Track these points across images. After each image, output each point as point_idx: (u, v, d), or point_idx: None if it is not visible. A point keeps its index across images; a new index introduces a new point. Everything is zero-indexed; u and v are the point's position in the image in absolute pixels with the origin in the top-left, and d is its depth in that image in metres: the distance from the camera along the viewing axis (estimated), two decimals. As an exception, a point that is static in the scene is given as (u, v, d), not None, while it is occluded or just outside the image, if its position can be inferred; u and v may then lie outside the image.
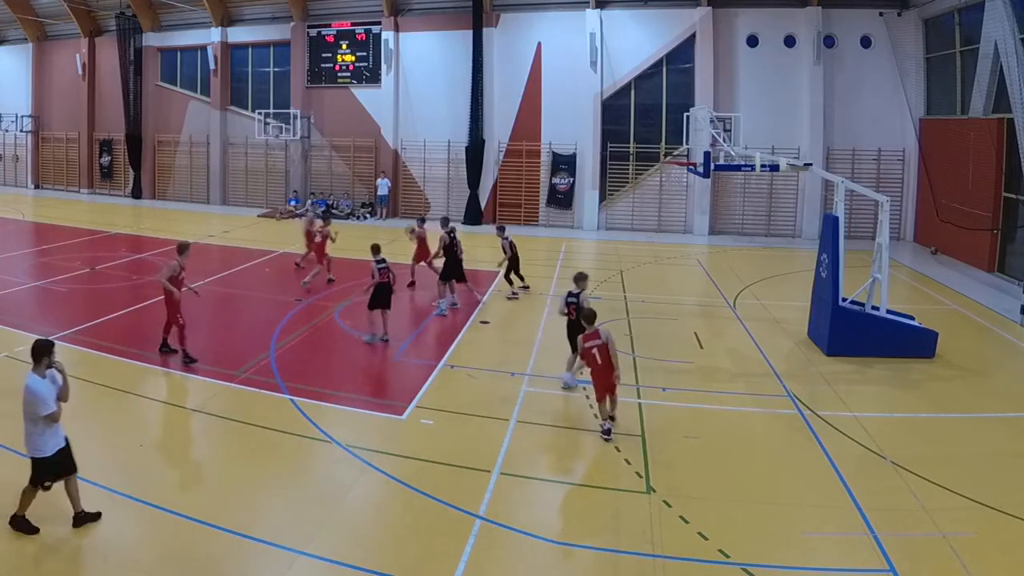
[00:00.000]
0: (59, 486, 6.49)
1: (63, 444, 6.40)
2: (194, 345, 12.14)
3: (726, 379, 10.97)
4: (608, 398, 8.77)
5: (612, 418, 8.77)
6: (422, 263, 16.02)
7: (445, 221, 15.83)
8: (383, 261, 12.20)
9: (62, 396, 6.44)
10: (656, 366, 11.36)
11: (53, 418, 6.23)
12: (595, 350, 8.72)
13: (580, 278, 10.68)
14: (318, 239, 16.49)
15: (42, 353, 6.31)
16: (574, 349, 10.13)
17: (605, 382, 8.73)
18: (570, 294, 10.51)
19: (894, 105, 23.45)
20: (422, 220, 16.46)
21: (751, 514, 7.09)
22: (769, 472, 8.00)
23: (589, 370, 8.93)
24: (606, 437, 8.63)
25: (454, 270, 14.62)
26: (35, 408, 6.15)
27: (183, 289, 11.10)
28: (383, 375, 11.12)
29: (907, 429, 9.21)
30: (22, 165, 36.01)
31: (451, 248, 14.61)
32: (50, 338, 6.61)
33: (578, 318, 9.86)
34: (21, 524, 6.29)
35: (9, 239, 21.88)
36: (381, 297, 12.08)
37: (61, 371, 6.47)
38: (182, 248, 11.29)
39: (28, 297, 15.21)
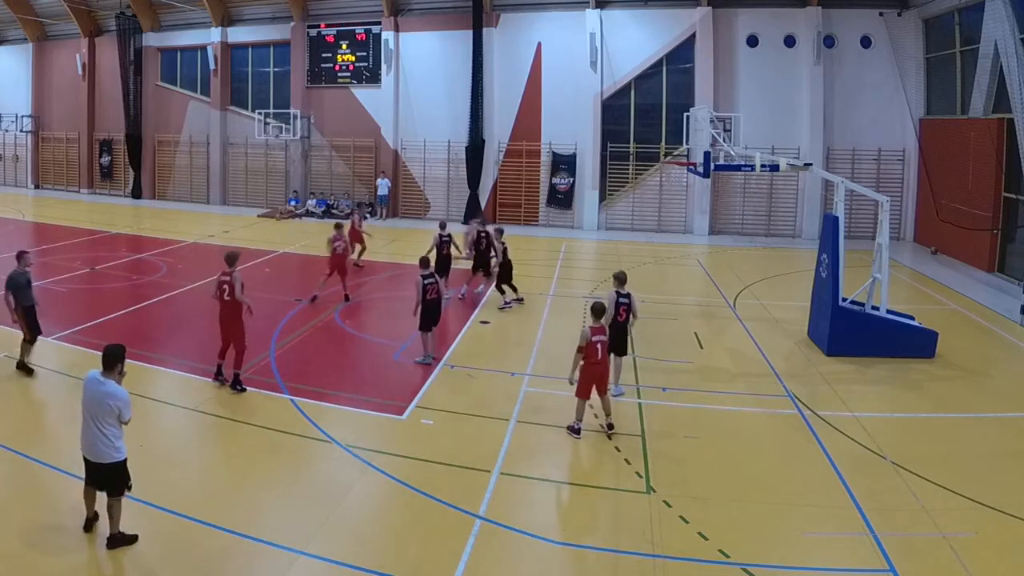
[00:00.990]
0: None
1: None
2: (195, 345, 12.15)
3: (726, 379, 10.97)
4: (601, 397, 8.80)
5: (612, 424, 8.82)
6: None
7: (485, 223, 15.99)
8: (432, 276, 11.24)
9: None
10: (656, 366, 11.36)
11: (129, 421, 6.25)
12: (599, 344, 8.67)
13: (624, 279, 10.13)
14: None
15: (116, 359, 6.26)
16: (621, 353, 10.06)
17: (598, 378, 8.71)
18: (620, 295, 9.92)
19: (894, 105, 23.45)
20: (501, 231, 15.53)
21: (751, 514, 7.10)
22: (769, 472, 8.00)
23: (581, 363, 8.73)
24: (576, 436, 8.70)
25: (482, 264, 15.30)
26: (123, 411, 6.14)
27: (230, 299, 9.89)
28: (383, 375, 11.11)
29: (907, 429, 9.21)
30: (22, 165, 36.01)
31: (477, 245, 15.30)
32: (120, 344, 6.49)
33: (627, 320, 9.87)
34: (122, 540, 6.21)
35: (9, 239, 21.86)
36: (429, 316, 11.15)
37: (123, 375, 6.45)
38: (232, 259, 10.09)
39: (28, 297, 15.19)
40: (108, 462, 6.15)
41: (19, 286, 10.17)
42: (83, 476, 6.38)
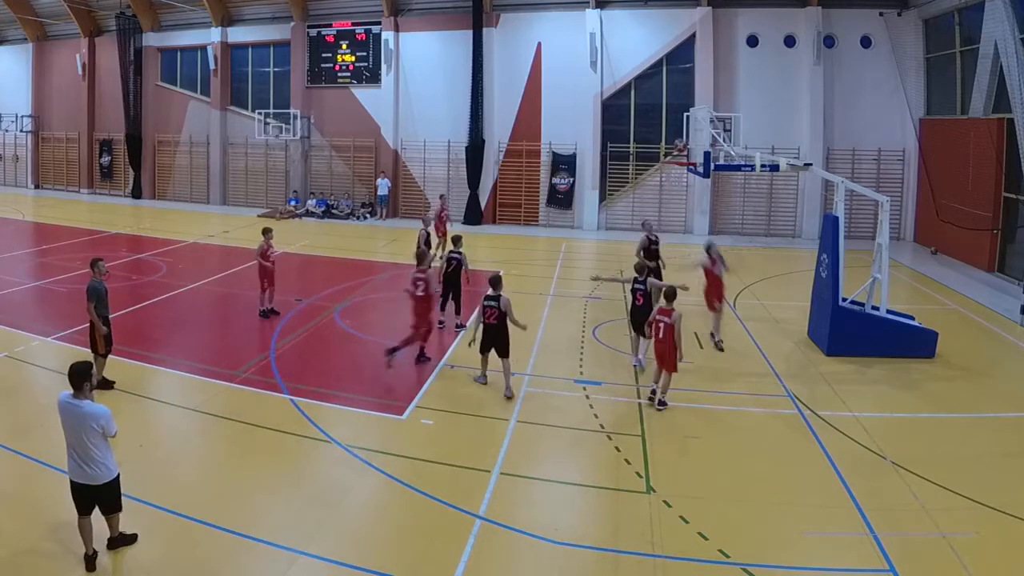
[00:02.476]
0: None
1: None
2: (195, 345, 12.17)
3: (726, 379, 10.96)
4: (662, 372, 9.55)
5: (663, 402, 9.57)
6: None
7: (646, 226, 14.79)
8: (494, 299, 10.00)
9: None
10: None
11: (115, 435, 6.06)
12: (662, 324, 9.47)
13: (642, 269, 11.37)
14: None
15: (83, 377, 5.99)
16: (640, 333, 11.17)
17: (659, 356, 9.60)
18: (636, 281, 11.09)
19: (894, 105, 23.44)
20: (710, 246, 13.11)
21: (751, 514, 7.10)
22: (769, 472, 8.00)
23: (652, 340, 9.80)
24: (650, 401, 9.68)
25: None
26: (109, 427, 5.93)
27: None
28: (383, 375, 11.11)
29: (907, 429, 9.21)
30: (22, 165, 36.02)
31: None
32: (85, 361, 6.26)
33: (645, 304, 10.93)
34: (121, 541, 6.17)
35: (9, 239, 21.88)
36: (486, 339, 10.06)
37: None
38: (423, 258, 11.75)
39: (28, 297, 15.21)
40: (103, 482, 5.95)
41: (100, 296, 9.73)
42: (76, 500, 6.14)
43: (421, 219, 17.13)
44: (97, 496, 6.00)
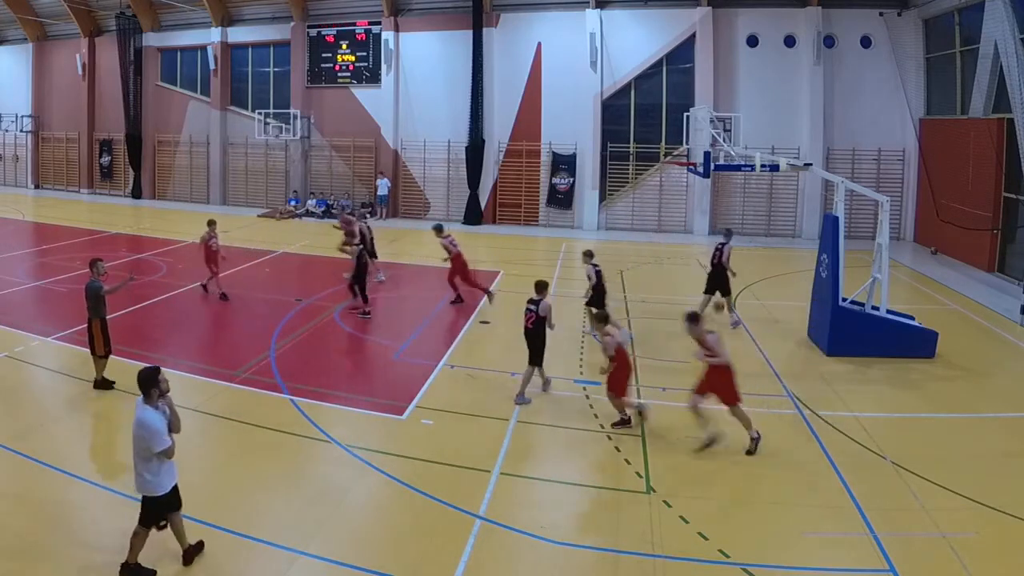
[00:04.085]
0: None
1: (176, 480, 5.95)
2: (195, 345, 12.16)
3: (726, 379, 10.94)
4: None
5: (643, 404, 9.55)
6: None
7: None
8: (535, 303, 9.79)
9: (173, 427, 5.95)
10: (656, 366, 11.35)
11: (168, 454, 5.74)
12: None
13: (592, 254, 12.73)
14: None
15: (152, 383, 5.75)
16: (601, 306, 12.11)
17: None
18: (595, 267, 12.41)
19: (894, 105, 23.44)
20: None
21: (751, 514, 7.10)
22: (769, 472, 8.00)
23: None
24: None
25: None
26: (150, 443, 5.62)
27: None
28: (383, 375, 11.11)
29: (907, 429, 9.21)
30: (22, 165, 36.02)
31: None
32: (154, 365, 6.01)
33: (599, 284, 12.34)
34: (136, 572, 5.82)
35: (9, 239, 21.87)
36: (530, 347, 9.82)
37: (168, 400, 5.99)
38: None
39: (28, 297, 15.21)
40: (139, 495, 5.81)
41: (99, 297, 9.74)
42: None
43: (355, 215, 17.87)
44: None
